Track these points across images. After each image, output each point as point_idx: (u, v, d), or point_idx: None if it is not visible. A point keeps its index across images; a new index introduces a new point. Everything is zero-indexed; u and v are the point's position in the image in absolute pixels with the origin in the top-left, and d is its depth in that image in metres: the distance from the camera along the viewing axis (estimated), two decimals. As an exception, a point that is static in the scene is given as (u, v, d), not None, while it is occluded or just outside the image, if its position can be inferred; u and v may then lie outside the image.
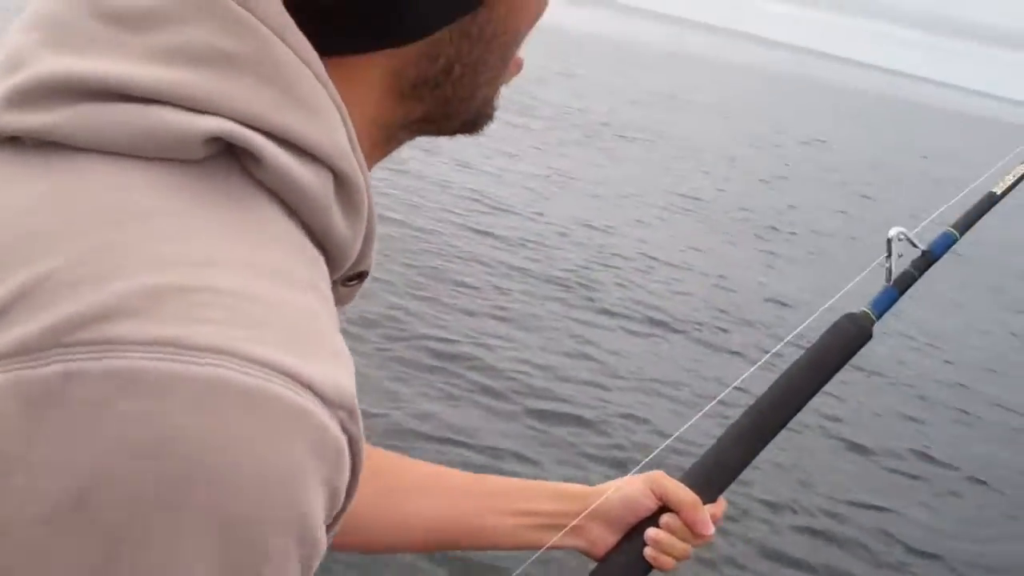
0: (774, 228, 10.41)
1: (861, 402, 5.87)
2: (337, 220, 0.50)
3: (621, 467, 4.38)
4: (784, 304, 7.63)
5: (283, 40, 0.47)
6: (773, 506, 4.48)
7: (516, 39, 0.58)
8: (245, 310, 0.42)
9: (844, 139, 20.80)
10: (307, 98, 0.47)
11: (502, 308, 6.25)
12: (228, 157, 0.46)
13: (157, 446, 0.38)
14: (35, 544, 0.38)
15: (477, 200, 8.65)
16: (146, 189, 0.44)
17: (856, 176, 14.88)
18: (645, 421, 5.07)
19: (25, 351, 0.39)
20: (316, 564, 0.44)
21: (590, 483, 1.01)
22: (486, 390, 5.01)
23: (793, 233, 10.40)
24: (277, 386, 0.40)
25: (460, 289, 6.35)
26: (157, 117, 0.45)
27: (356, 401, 0.44)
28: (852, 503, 4.74)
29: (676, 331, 6.55)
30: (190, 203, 0.45)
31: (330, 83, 0.49)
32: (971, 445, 5.82)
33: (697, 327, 6.69)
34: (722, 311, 7.15)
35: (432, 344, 5.33)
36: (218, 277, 0.42)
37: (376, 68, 0.53)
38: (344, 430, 0.43)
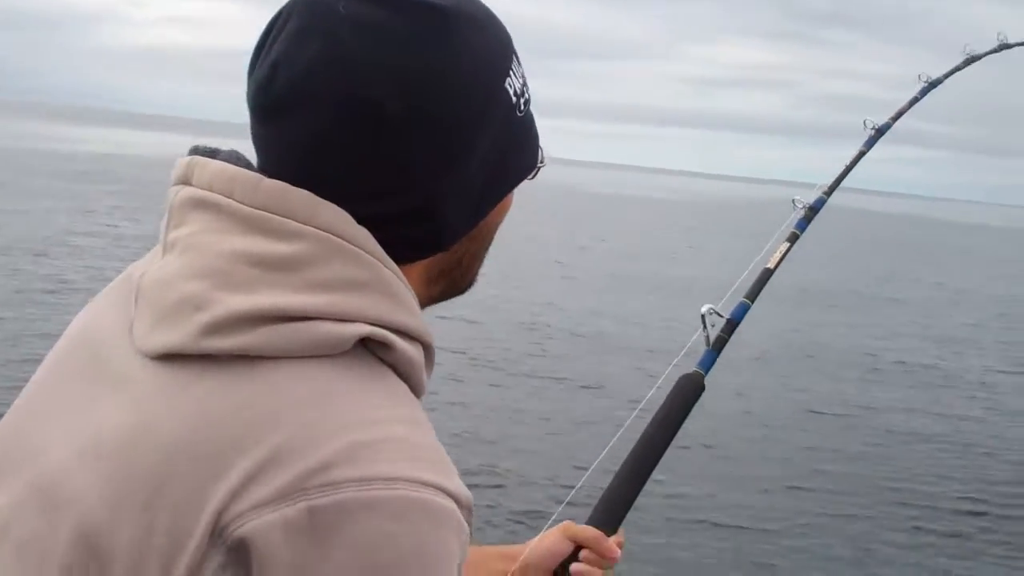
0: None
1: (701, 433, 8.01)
2: (424, 375, 0.73)
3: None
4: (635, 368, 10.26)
5: (384, 266, 0.70)
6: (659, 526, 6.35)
7: (496, 230, 0.83)
8: (409, 450, 0.64)
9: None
10: (405, 300, 0.71)
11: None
12: (361, 347, 0.68)
13: (380, 544, 0.61)
14: None
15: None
16: (323, 378, 0.65)
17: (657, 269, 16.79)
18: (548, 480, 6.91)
19: (280, 498, 0.60)
20: None
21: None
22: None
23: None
24: (438, 498, 0.63)
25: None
26: (318, 328, 0.66)
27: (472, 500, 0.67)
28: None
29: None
30: (354, 382, 0.66)
31: (410, 287, 0.72)
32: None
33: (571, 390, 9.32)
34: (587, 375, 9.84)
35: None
36: (387, 430, 0.65)
37: (421, 267, 0.77)
38: (468, 523, 0.66)
